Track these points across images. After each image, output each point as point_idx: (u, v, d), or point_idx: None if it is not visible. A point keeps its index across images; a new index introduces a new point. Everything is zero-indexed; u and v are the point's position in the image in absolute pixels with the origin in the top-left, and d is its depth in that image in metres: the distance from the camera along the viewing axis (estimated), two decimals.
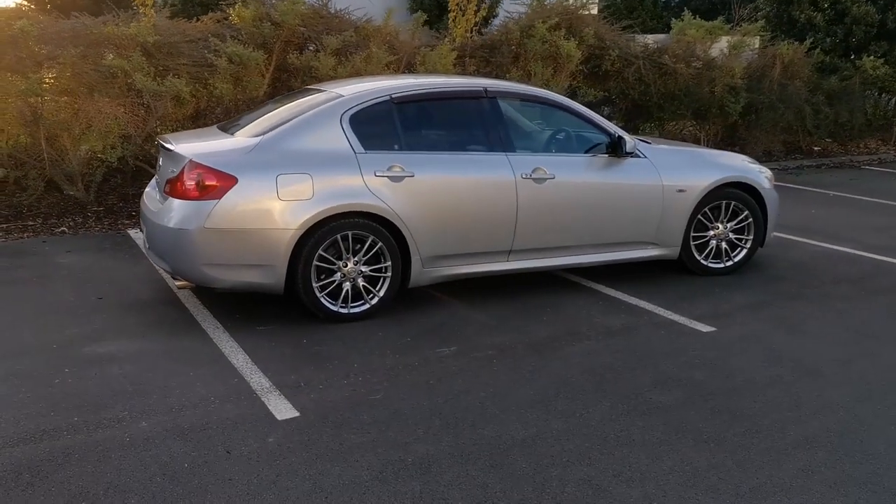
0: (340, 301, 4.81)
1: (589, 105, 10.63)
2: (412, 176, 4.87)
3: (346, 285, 4.81)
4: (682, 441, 3.46)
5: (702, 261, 5.92)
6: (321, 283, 4.74)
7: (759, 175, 6.02)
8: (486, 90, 5.28)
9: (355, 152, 4.79)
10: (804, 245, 7.04)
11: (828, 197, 9.59)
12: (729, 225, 5.93)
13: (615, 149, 5.46)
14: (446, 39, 9.45)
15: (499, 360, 4.34)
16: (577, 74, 10.31)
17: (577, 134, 5.67)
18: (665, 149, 5.89)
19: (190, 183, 4.54)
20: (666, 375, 4.16)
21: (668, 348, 4.55)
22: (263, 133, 4.82)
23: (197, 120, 8.12)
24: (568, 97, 10.21)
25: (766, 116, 11.94)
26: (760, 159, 12.45)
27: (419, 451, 3.34)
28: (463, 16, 9.65)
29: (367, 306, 4.88)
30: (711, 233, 5.90)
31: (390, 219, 4.80)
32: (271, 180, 4.57)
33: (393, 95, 5.03)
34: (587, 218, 5.41)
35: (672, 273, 5.96)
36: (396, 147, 4.95)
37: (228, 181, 4.51)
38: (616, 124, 11.89)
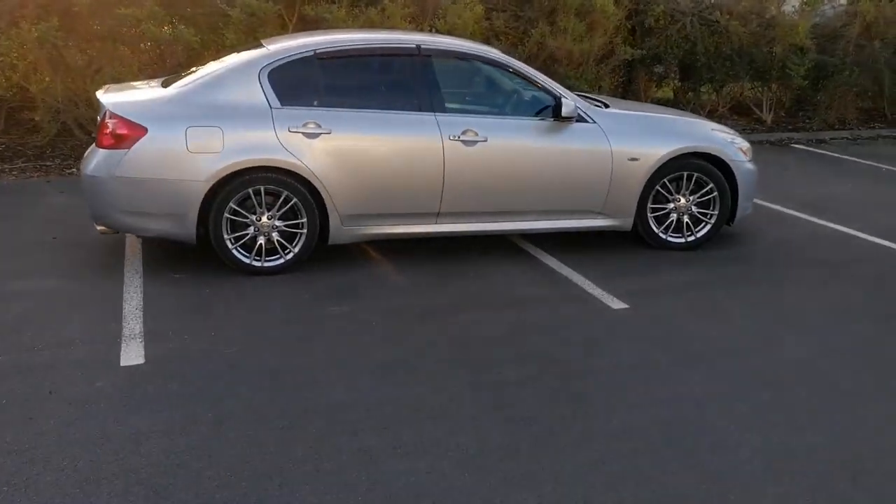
0: (254, 254, 4.89)
1: (629, 63, 10.24)
2: (329, 133, 4.84)
3: (261, 239, 4.88)
4: (491, 418, 3.34)
5: (660, 234, 5.59)
6: (234, 236, 4.84)
7: (729, 145, 5.57)
8: (419, 47, 5.14)
9: (271, 107, 4.81)
10: (802, 223, 6.51)
11: (877, 172, 8.77)
12: (692, 198, 5.55)
13: (557, 112, 5.21)
14: None
15: (379, 323, 4.31)
16: (621, 30, 9.82)
17: (525, 96, 5.44)
18: (619, 114, 5.55)
19: (105, 132, 4.71)
20: (534, 351, 4.01)
21: (560, 323, 4.37)
22: (185, 85, 4.91)
23: None
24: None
25: (838, 80, 10.98)
26: (833, 127, 11.55)
27: (226, 407, 3.39)
28: None
29: (281, 261, 4.95)
30: (672, 205, 5.55)
31: (304, 175, 4.81)
32: (180, 132, 4.67)
33: (317, 51, 4.99)
34: (523, 183, 5.21)
35: (634, 246, 5.67)
36: (315, 103, 4.92)
37: (138, 131, 4.65)
38: (672, 85, 11.47)
